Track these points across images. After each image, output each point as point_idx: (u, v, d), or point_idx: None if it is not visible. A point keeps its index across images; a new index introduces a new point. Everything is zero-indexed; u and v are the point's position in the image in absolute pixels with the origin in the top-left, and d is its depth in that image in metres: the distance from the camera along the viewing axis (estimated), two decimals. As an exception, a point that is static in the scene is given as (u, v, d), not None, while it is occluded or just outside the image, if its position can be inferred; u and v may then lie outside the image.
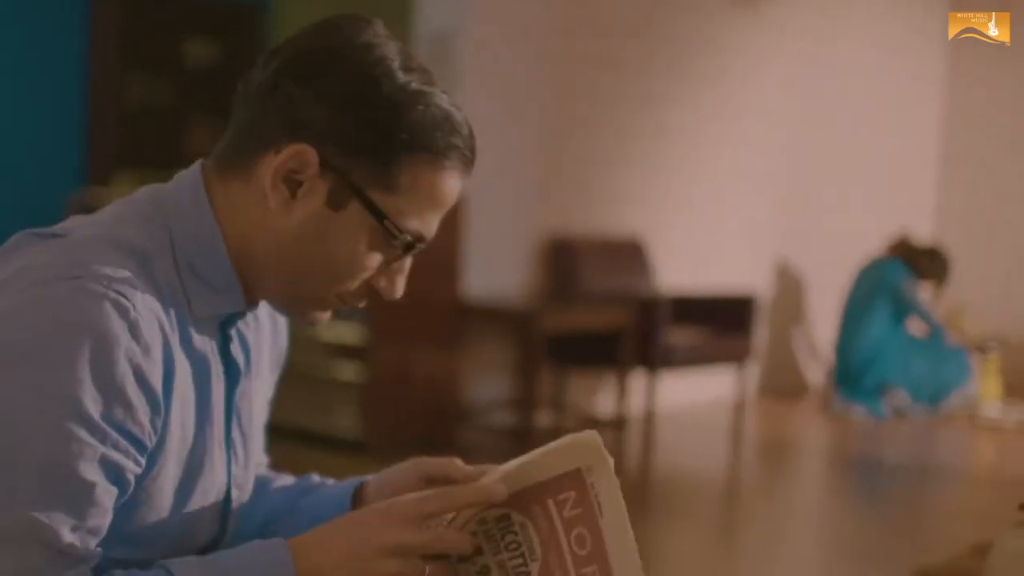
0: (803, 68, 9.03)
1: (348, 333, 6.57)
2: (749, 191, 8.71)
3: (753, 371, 8.54)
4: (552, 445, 1.39)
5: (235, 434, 1.57)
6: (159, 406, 1.38)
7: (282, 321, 1.73)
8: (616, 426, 6.95)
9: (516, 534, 1.40)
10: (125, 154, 8.28)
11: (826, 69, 9.26)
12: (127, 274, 1.37)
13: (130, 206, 1.50)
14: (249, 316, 1.61)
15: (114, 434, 1.33)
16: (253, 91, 1.48)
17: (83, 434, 1.31)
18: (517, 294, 7.12)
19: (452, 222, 6.65)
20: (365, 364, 6.42)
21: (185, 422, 1.45)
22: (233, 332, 1.55)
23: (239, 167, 1.48)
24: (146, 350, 1.35)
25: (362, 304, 1.55)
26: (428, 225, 1.49)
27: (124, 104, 8.34)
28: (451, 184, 1.49)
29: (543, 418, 6.91)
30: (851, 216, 9.57)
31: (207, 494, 1.52)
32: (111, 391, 1.32)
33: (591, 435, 1.39)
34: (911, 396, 8.33)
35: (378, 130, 1.44)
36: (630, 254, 7.62)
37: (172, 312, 1.43)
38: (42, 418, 1.30)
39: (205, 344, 1.49)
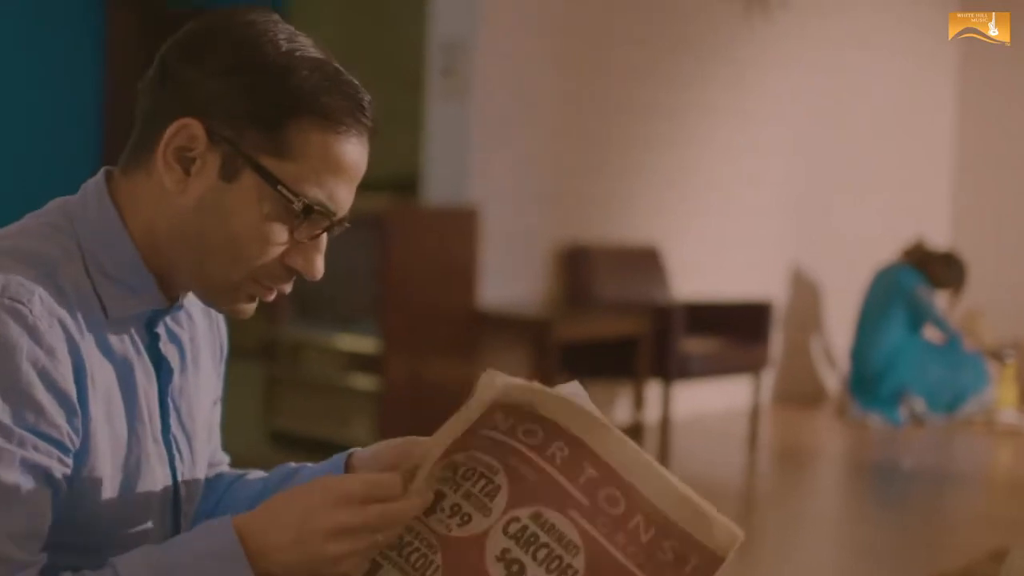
0: (816, 75, 9.02)
1: (362, 342, 6.57)
2: (764, 198, 8.69)
3: (769, 378, 8.52)
4: (458, 411, 1.36)
5: (175, 431, 1.56)
6: (73, 407, 1.38)
7: (218, 317, 1.72)
8: (632, 435, 6.92)
9: (467, 466, 1.38)
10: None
11: (839, 76, 9.24)
12: (24, 282, 1.37)
13: (38, 218, 1.50)
14: (183, 314, 1.60)
15: (29, 436, 1.33)
16: (146, 86, 1.48)
17: None
18: (532, 302, 7.11)
19: (466, 230, 6.65)
20: (379, 373, 6.42)
21: (114, 424, 1.45)
22: (161, 330, 1.54)
23: (141, 160, 1.48)
24: (49, 352, 1.35)
25: (286, 288, 1.51)
26: (332, 194, 1.46)
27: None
28: (346, 149, 1.46)
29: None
30: (866, 222, 9.54)
31: (149, 493, 1.51)
32: (18, 395, 1.32)
33: (488, 372, 1.35)
34: (928, 403, 8.30)
35: (263, 95, 1.43)
36: (645, 262, 7.60)
37: (81, 317, 1.42)
38: None
39: (128, 345, 1.48)
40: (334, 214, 1.47)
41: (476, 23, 6.79)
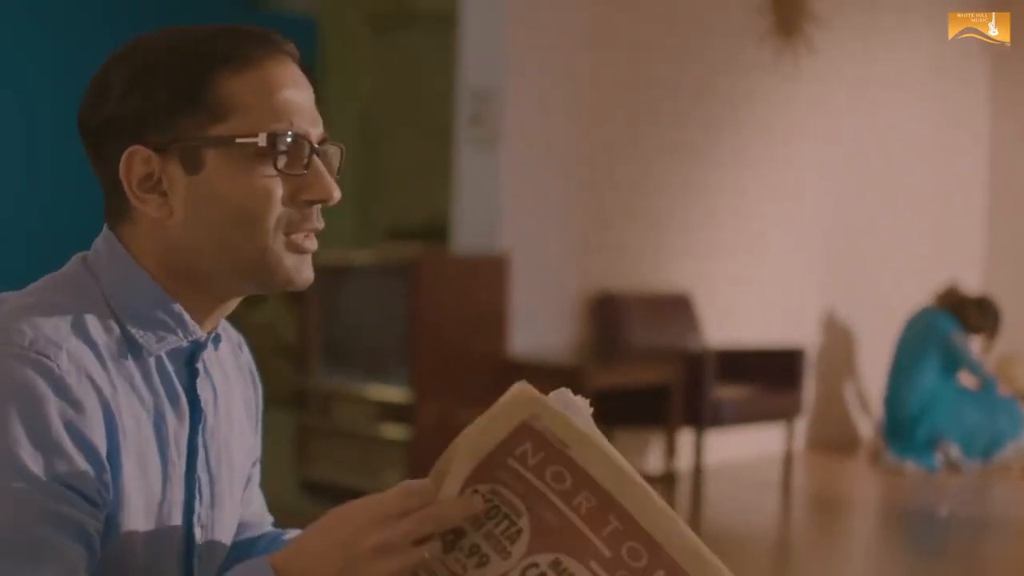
0: (847, 119, 9.00)
1: (393, 391, 6.55)
2: (795, 243, 8.66)
3: (802, 424, 8.46)
4: (487, 412, 1.34)
5: (200, 472, 1.53)
6: (102, 463, 1.36)
7: (255, 373, 1.71)
8: (665, 483, 6.89)
9: (491, 502, 1.34)
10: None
11: (870, 120, 9.23)
12: (51, 336, 1.36)
13: (58, 275, 1.50)
14: (216, 364, 1.59)
15: (61, 490, 1.32)
16: (89, 150, 1.50)
17: (30, 493, 1.30)
18: (563, 350, 7.08)
19: (496, 278, 6.64)
20: (410, 422, 6.40)
21: (148, 475, 1.44)
22: (200, 367, 1.53)
23: (121, 210, 1.48)
24: (77, 407, 1.34)
25: (319, 224, 1.50)
26: (288, 119, 1.45)
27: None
28: (271, 74, 1.46)
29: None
30: (899, 267, 9.50)
31: (170, 537, 1.49)
32: (48, 450, 1.31)
33: (520, 387, 1.34)
34: (963, 449, 8.22)
35: (169, 82, 1.43)
36: (676, 309, 7.57)
37: (112, 367, 1.41)
38: None
39: (161, 388, 1.47)
40: (304, 134, 1.46)
41: (505, 72, 6.81)
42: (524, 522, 1.33)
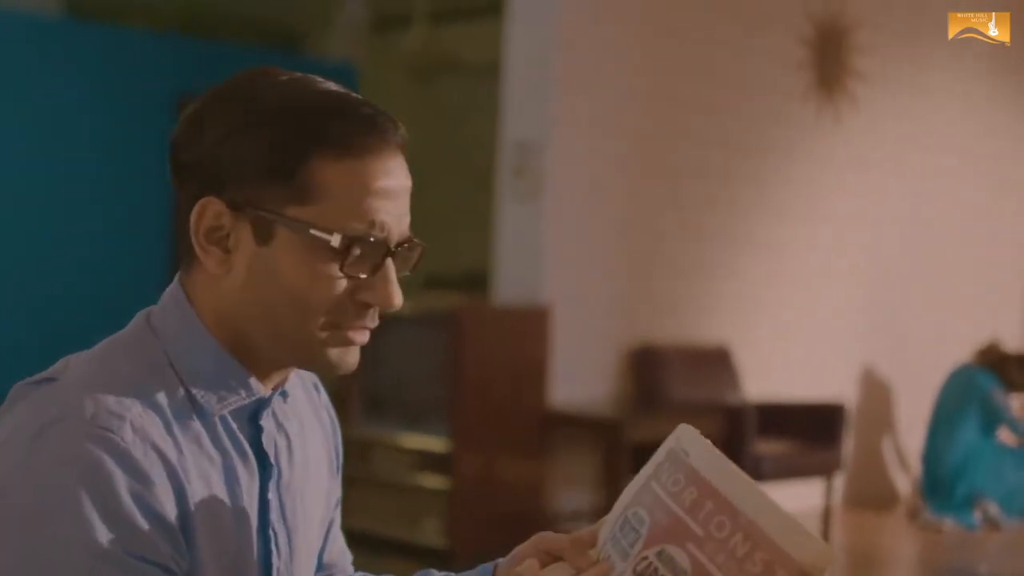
0: (889, 175, 9.00)
1: (432, 441, 6.55)
2: (836, 298, 8.64)
3: (840, 480, 8.42)
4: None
5: (275, 526, 1.52)
6: (175, 533, 1.36)
7: (334, 418, 1.71)
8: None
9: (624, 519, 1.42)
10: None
11: (911, 176, 9.21)
12: (113, 407, 1.35)
13: (121, 336, 1.48)
14: (290, 412, 1.58)
15: (139, 564, 1.32)
16: (175, 183, 1.47)
17: (107, 571, 1.30)
18: (603, 403, 7.08)
19: (538, 329, 6.65)
20: (450, 472, 6.40)
21: (222, 538, 1.43)
22: (265, 422, 1.51)
23: (192, 254, 1.46)
24: (145, 480, 1.33)
25: (371, 324, 1.46)
26: (373, 220, 1.40)
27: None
28: (373, 170, 1.41)
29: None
30: (939, 323, 9.46)
31: None
32: (122, 524, 1.31)
33: (681, 428, 1.41)
34: (1002, 507, 8.16)
35: (267, 146, 1.39)
36: (716, 362, 7.56)
37: (178, 431, 1.40)
38: (62, 570, 1.29)
39: (229, 446, 1.46)
40: (384, 238, 1.42)
41: (548, 123, 6.84)
42: (645, 529, 1.38)
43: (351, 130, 1.40)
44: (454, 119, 9.45)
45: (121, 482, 1.32)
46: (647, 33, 7.35)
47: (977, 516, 8.14)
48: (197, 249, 1.43)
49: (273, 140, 1.39)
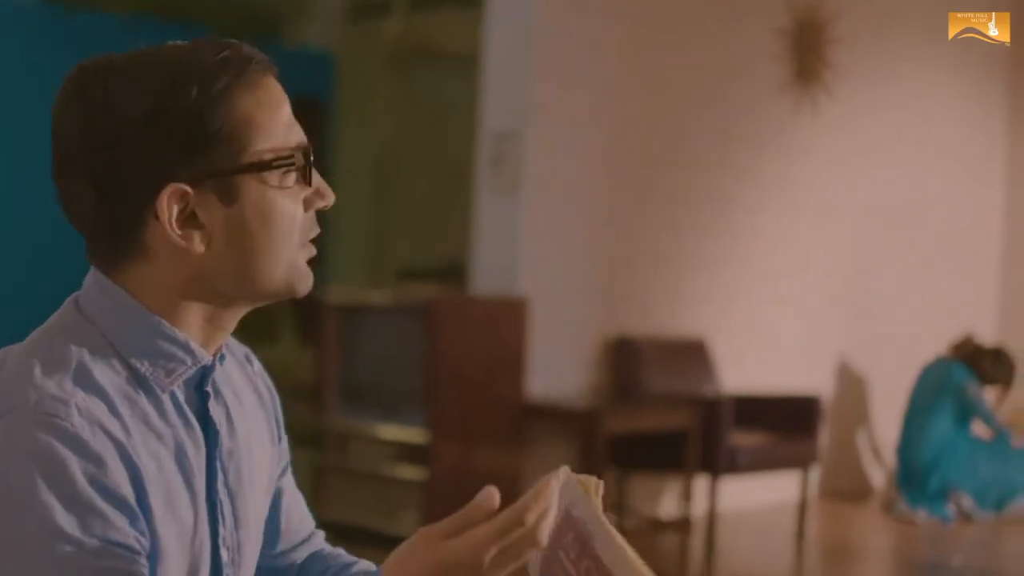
0: (865, 168, 9.02)
1: (409, 432, 6.54)
2: (812, 291, 8.67)
3: (815, 472, 8.44)
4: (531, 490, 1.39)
5: (220, 495, 1.53)
6: (134, 512, 1.37)
7: (270, 387, 1.72)
8: (680, 529, 6.87)
9: None
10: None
11: (888, 169, 9.24)
12: (57, 393, 1.35)
13: (52, 324, 1.49)
14: (225, 382, 1.59)
15: (101, 544, 1.32)
16: (77, 197, 1.46)
17: (74, 555, 1.30)
18: (580, 394, 7.08)
19: (516, 320, 6.64)
20: (427, 464, 6.39)
21: (179, 513, 1.45)
22: (210, 389, 1.52)
23: (129, 252, 1.46)
24: (98, 462, 1.34)
25: (316, 230, 1.54)
26: (292, 133, 1.49)
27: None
28: (270, 88, 1.48)
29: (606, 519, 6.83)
30: (914, 316, 9.50)
31: (201, 565, 1.50)
32: (81, 508, 1.31)
33: (563, 472, 1.40)
34: (976, 499, 8.20)
35: (190, 116, 1.42)
36: (693, 354, 7.57)
37: (125, 411, 1.41)
38: (27, 557, 1.30)
39: (176, 419, 1.47)
40: (306, 147, 1.50)
41: (527, 115, 6.83)
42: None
43: (247, 64, 1.46)
44: (432, 109, 9.42)
45: (75, 466, 1.32)
46: (626, 25, 7.34)
47: (951, 508, 8.17)
48: (176, 239, 1.43)
49: (195, 104, 1.43)
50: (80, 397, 1.37)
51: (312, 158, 1.50)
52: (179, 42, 1.49)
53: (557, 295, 6.95)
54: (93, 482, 1.32)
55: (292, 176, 1.48)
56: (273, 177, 1.46)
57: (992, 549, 7.83)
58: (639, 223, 7.47)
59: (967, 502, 8.19)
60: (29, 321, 1.59)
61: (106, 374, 1.42)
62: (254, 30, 9.99)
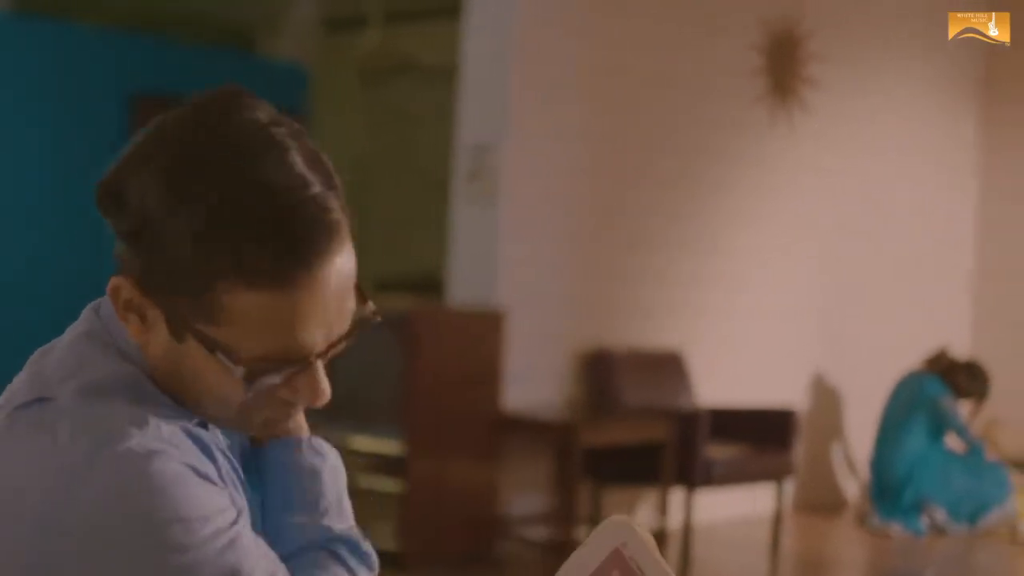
0: (840, 181, 9.05)
1: (385, 444, 6.53)
2: (786, 304, 8.68)
3: (790, 485, 8.45)
4: (587, 539, 1.41)
5: None
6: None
7: None
8: (655, 541, 6.86)
9: None
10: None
11: (863, 182, 9.27)
12: (151, 436, 1.24)
13: (81, 340, 1.34)
14: None
15: (221, 516, 1.25)
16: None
17: (201, 539, 1.22)
18: (556, 406, 7.08)
19: (492, 333, 6.64)
20: (402, 476, 6.38)
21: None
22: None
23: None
24: (199, 465, 1.26)
25: (302, 407, 1.34)
26: (288, 346, 1.25)
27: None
28: (295, 298, 1.23)
29: (581, 532, 6.84)
30: (888, 330, 9.52)
31: None
32: (206, 499, 1.24)
33: (619, 517, 1.41)
34: (949, 513, 8.21)
35: (177, 261, 1.22)
36: (668, 367, 7.58)
37: (201, 445, 1.31)
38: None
39: (217, 432, 1.38)
40: (305, 355, 1.27)
41: (504, 127, 6.84)
42: None
43: (271, 256, 1.22)
44: (408, 122, 9.42)
45: (190, 474, 1.23)
46: (603, 38, 7.36)
47: (924, 522, 8.19)
48: (118, 314, 1.30)
49: (182, 257, 1.23)
50: (172, 441, 1.27)
51: (310, 365, 1.28)
52: (289, 157, 1.26)
53: (533, 307, 6.95)
54: (204, 478, 1.25)
55: (248, 384, 1.26)
56: (222, 366, 1.26)
57: (965, 563, 7.85)
58: (616, 236, 7.48)
59: (941, 515, 8.20)
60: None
61: (153, 391, 1.32)
62: (229, 42, 9.98)
